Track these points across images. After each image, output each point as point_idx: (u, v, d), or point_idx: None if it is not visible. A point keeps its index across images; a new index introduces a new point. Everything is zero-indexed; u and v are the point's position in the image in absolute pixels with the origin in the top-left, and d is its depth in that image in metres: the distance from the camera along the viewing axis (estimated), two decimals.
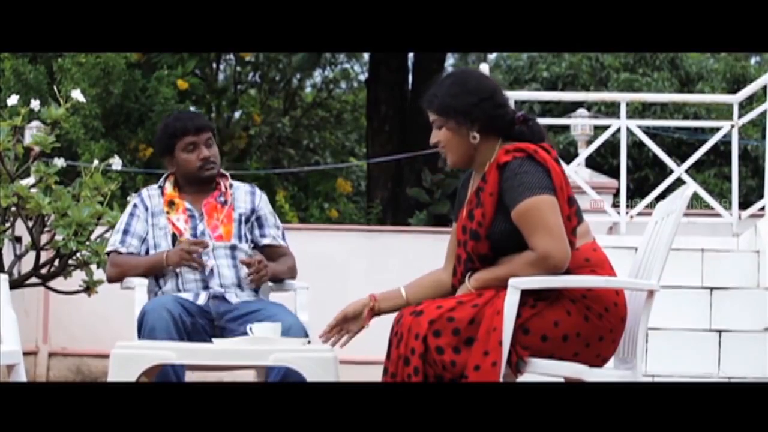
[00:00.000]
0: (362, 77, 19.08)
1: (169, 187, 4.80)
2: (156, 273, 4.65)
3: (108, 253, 4.79)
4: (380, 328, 3.94)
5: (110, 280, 4.81)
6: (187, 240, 4.62)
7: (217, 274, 4.63)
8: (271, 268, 4.69)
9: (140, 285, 4.60)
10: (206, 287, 4.62)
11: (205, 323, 4.53)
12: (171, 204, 4.75)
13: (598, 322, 3.69)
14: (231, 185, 4.82)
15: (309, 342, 4.19)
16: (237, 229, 4.72)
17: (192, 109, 13.79)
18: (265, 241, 4.80)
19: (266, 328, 3.85)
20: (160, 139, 4.80)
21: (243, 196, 4.82)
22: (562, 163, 3.84)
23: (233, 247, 4.69)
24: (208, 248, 4.62)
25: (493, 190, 3.73)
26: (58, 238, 5.83)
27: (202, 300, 4.57)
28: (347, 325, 3.94)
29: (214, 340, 3.93)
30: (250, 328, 3.87)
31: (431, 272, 4.00)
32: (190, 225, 4.70)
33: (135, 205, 4.79)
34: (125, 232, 4.75)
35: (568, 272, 3.70)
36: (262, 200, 4.85)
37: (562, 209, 3.69)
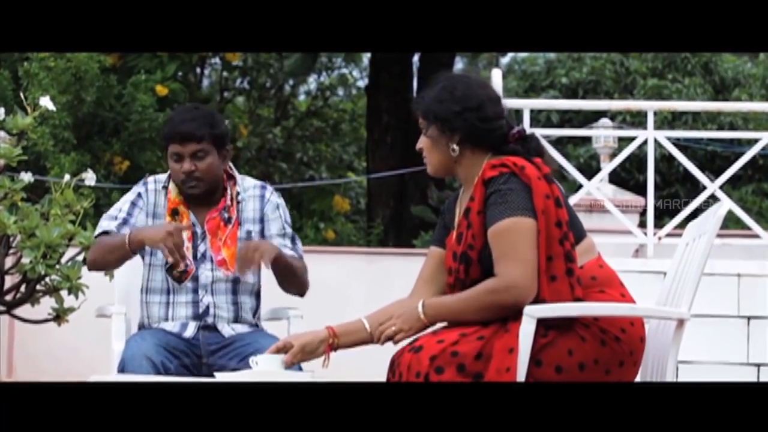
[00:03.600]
0: (361, 83, 19.13)
1: (173, 190, 4.67)
2: (131, 251, 4.53)
3: (97, 236, 4.66)
4: (380, 354, 3.92)
5: (89, 267, 4.70)
6: (185, 225, 4.50)
7: (213, 309, 4.58)
8: (281, 255, 4.50)
9: (117, 314, 4.59)
10: (197, 317, 4.57)
11: (192, 362, 4.50)
12: (174, 213, 4.63)
13: (616, 345, 3.69)
14: (239, 192, 4.70)
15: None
16: None
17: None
18: None
19: (271, 360, 3.85)
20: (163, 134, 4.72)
21: (251, 203, 4.72)
22: (558, 183, 3.80)
23: (235, 281, 4.61)
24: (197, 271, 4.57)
25: (480, 208, 3.75)
26: (25, 260, 5.81)
27: (190, 332, 4.54)
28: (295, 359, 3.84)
29: (216, 374, 3.92)
30: (255, 361, 3.86)
31: (398, 301, 3.99)
32: (191, 244, 4.58)
33: (139, 195, 4.69)
34: (125, 221, 4.65)
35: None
36: (269, 204, 4.75)
37: (551, 233, 3.69)
